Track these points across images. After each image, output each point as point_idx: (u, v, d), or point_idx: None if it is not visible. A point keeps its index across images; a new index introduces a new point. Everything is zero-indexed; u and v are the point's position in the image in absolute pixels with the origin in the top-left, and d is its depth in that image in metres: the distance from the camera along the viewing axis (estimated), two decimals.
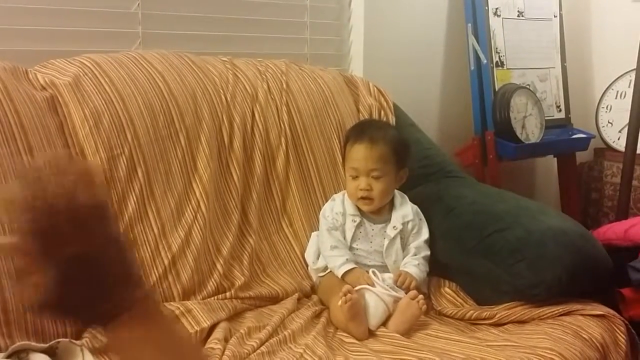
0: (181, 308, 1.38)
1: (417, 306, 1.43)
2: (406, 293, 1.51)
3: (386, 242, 1.64)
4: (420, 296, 1.45)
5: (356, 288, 1.47)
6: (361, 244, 1.65)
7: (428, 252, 1.66)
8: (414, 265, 1.61)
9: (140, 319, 0.64)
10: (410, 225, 1.66)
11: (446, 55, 2.55)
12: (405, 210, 1.68)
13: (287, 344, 1.35)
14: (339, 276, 1.58)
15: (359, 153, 1.64)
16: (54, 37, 1.70)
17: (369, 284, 1.50)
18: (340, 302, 1.42)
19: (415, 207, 1.71)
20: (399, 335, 1.38)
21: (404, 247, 1.66)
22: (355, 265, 1.59)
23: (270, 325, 1.42)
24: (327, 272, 1.64)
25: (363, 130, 1.69)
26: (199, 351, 0.98)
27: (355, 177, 1.64)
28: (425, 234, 1.68)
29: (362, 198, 1.64)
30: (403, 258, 1.64)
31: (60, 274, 0.59)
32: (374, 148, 1.63)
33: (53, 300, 0.60)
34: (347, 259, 1.59)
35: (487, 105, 2.39)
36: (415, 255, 1.64)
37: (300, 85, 1.89)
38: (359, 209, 1.67)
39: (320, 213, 1.72)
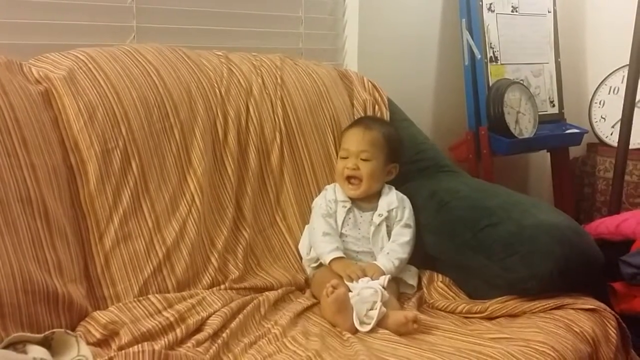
0: (176, 315, 1.36)
1: (411, 328, 1.39)
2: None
3: (372, 229, 1.67)
4: (416, 324, 1.40)
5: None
6: (350, 230, 1.68)
7: (407, 238, 1.68)
8: (384, 255, 1.64)
9: None
10: (394, 212, 1.70)
11: (440, 51, 2.56)
12: (391, 199, 1.72)
13: (278, 340, 1.35)
14: (327, 262, 1.60)
15: (353, 136, 1.73)
16: (48, 30, 1.70)
17: (352, 277, 1.53)
18: (324, 292, 1.43)
19: (402, 195, 1.75)
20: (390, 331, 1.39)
21: (390, 234, 1.69)
22: (344, 255, 1.62)
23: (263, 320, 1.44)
24: (319, 262, 1.66)
25: (361, 119, 1.81)
26: None
27: (344, 158, 1.71)
28: (406, 218, 1.70)
29: (349, 179, 1.69)
30: None
31: None
32: (367, 132, 1.71)
33: None
34: (337, 247, 1.62)
35: (481, 100, 2.40)
36: (394, 241, 1.66)
37: (295, 79, 1.89)
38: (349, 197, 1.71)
39: (313, 203, 1.76)
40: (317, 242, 1.65)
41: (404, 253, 1.65)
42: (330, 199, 1.71)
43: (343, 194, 1.72)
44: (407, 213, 1.71)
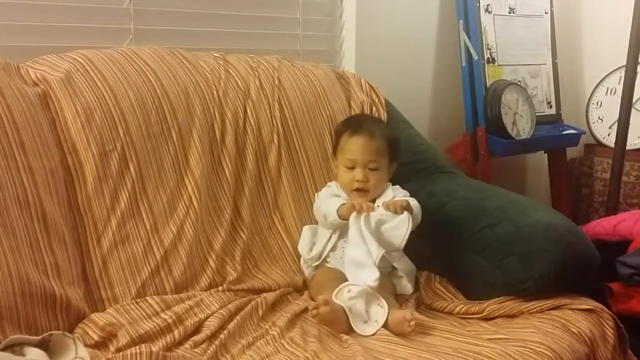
0: (174, 317, 1.36)
1: (408, 328, 1.37)
2: (399, 213, 1.55)
3: None
4: (414, 321, 1.37)
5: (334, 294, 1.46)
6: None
7: (416, 202, 1.65)
8: (399, 197, 1.64)
9: None
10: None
11: (438, 52, 2.56)
12: (388, 194, 1.70)
13: (276, 340, 1.35)
14: (335, 214, 1.59)
15: (358, 144, 1.68)
16: (45, 32, 1.70)
17: (360, 207, 1.54)
18: (310, 314, 1.41)
19: (401, 190, 1.72)
20: (388, 330, 1.39)
21: None
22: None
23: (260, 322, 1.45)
24: (321, 260, 1.66)
25: (360, 123, 1.73)
26: None
27: (351, 168, 1.68)
28: (405, 194, 1.69)
29: (358, 190, 1.67)
30: None
31: None
32: (372, 140, 1.67)
33: None
34: (344, 201, 1.62)
35: (479, 101, 2.41)
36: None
37: (292, 81, 1.89)
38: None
39: (316, 195, 1.76)
40: (325, 202, 1.66)
41: (416, 203, 1.63)
42: (334, 194, 1.71)
43: (345, 195, 1.70)
44: (413, 200, 1.70)
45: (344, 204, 1.60)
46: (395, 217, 1.56)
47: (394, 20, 2.39)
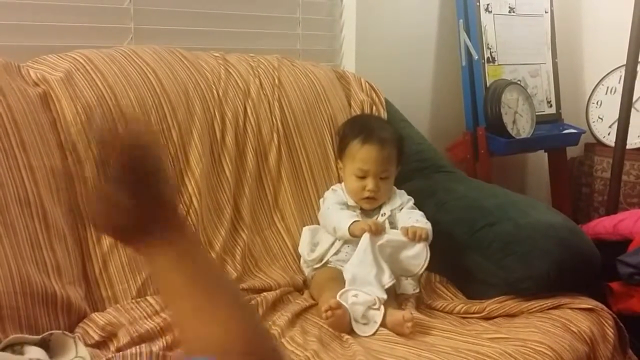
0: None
1: (407, 328, 1.38)
2: (417, 241, 1.53)
3: None
4: (411, 322, 1.38)
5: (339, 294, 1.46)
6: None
7: (419, 213, 1.66)
8: (413, 221, 1.61)
9: (175, 245, 0.72)
10: (398, 210, 1.68)
11: (438, 51, 2.56)
12: (394, 200, 1.70)
13: (276, 340, 1.35)
14: (346, 231, 1.57)
15: (370, 154, 1.64)
16: (46, 32, 1.70)
17: (375, 228, 1.52)
18: (323, 316, 1.41)
19: (407, 196, 1.72)
20: (387, 330, 1.39)
21: None
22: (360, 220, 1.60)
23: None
24: (322, 263, 1.65)
25: (372, 130, 1.68)
26: (232, 286, 0.97)
27: (361, 177, 1.65)
28: (418, 215, 1.66)
29: (368, 198, 1.66)
30: None
31: (128, 194, 0.71)
32: (384, 149, 1.65)
33: (123, 218, 0.72)
34: (355, 216, 1.61)
35: (479, 100, 2.41)
36: (409, 218, 1.64)
37: (293, 80, 1.89)
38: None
39: (322, 200, 1.75)
40: (335, 214, 1.64)
41: (428, 223, 1.61)
42: (341, 201, 1.69)
43: (352, 200, 1.69)
44: (411, 203, 1.70)
45: (356, 221, 1.58)
46: (410, 243, 1.55)
47: (394, 20, 2.39)
